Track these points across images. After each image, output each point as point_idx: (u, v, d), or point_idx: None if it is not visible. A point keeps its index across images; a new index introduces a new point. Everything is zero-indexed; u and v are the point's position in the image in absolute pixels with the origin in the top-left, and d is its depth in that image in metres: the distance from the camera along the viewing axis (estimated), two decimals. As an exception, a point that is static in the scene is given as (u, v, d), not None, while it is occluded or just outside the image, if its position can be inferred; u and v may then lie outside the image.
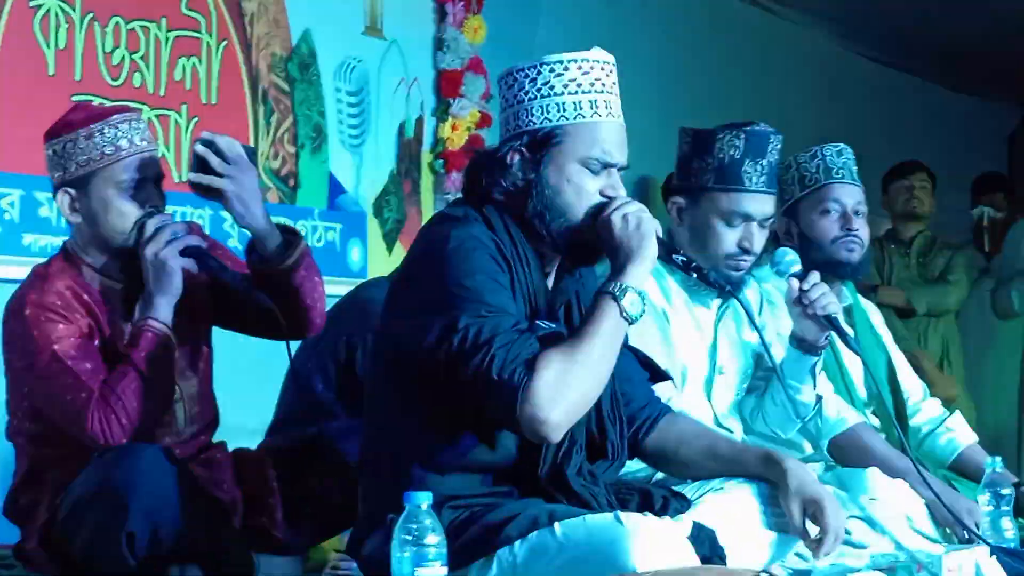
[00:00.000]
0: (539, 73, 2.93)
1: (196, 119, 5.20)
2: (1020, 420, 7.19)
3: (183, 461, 3.33)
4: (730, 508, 3.02)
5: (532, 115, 2.92)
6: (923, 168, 6.98)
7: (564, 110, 2.91)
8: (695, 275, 3.16)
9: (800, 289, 3.64)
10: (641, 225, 2.88)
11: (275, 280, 3.35)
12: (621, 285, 2.82)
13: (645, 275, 2.88)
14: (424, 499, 2.51)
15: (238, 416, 3.77)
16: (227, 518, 3.42)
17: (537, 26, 7.09)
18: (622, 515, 2.69)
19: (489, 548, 2.75)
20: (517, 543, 2.74)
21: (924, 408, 4.33)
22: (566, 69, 2.92)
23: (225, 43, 5.41)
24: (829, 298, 3.64)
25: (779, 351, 3.78)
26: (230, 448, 3.62)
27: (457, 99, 6.43)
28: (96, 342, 3.31)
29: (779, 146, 3.66)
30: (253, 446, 3.72)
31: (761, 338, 3.23)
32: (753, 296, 3.91)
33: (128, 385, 3.22)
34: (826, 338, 3.70)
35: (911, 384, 4.40)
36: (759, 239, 3.65)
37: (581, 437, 2.93)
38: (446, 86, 6.43)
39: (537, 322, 2.87)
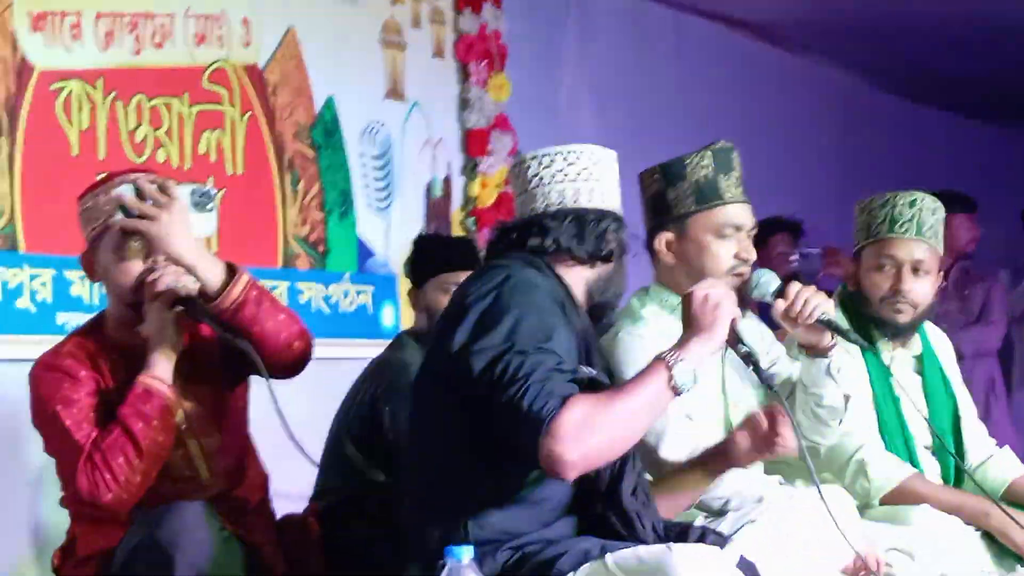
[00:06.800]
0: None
1: (223, 191, 5.20)
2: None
3: (224, 516, 3.32)
4: (768, 539, 3.02)
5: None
6: (958, 199, 6.84)
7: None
8: (751, 368, 3.15)
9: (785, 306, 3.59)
10: (719, 307, 2.93)
11: (226, 319, 3.28)
12: (678, 356, 2.85)
13: (707, 354, 2.91)
14: (465, 554, 2.52)
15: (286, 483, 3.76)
16: (269, 572, 3.41)
17: (561, 81, 7.12)
18: (673, 545, 2.73)
19: (543, 584, 2.79)
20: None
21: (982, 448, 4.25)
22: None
23: (248, 114, 5.43)
24: (816, 300, 3.52)
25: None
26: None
27: (485, 157, 6.45)
28: (96, 399, 3.30)
29: (739, 158, 3.67)
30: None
31: (771, 388, 3.20)
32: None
33: (114, 442, 3.22)
34: (832, 337, 3.60)
35: (973, 432, 4.26)
36: (751, 247, 3.64)
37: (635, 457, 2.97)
38: (473, 145, 6.46)
39: (582, 367, 2.91)
